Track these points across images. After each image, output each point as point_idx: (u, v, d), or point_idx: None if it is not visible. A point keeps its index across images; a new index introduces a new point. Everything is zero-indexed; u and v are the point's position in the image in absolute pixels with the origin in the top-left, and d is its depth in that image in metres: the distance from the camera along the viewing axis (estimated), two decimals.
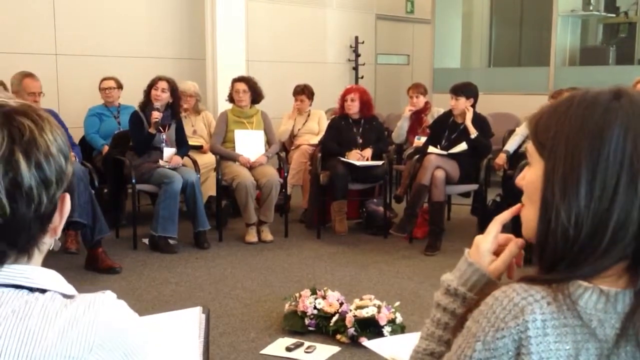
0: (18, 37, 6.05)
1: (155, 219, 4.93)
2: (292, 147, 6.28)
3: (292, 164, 6.02)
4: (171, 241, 4.99)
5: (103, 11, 6.60)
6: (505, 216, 1.09)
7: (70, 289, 0.94)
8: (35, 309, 0.88)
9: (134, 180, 4.98)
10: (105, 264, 4.42)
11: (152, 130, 5.04)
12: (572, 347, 0.88)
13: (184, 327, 1.40)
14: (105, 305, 0.92)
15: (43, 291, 0.92)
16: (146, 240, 5.07)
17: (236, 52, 7.04)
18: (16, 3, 6.06)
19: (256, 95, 5.61)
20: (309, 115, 6.33)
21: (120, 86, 5.94)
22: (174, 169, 5.05)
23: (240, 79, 5.63)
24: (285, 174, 5.67)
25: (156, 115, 5.01)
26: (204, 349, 1.38)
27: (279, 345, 3.29)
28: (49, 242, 0.96)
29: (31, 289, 0.91)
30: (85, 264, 4.47)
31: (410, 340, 1.34)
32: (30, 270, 0.92)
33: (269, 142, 5.65)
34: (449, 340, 0.99)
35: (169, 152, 5.13)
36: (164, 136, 5.14)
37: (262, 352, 3.23)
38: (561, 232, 0.90)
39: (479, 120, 5.18)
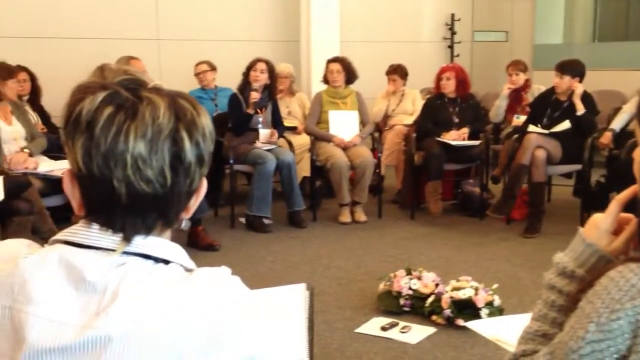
0: (122, 23, 6.31)
1: (249, 198, 5.04)
2: (386, 128, 6.24)
3: (386, 144, 5.98)
4: (265, 221, 5.08)
5: None
6: (625, 195, 1.03)
7: (190, 263, 0.98)
8: (159, 279, 0.92)
9: (231, 161, 5.11)
10: (205, 242, 4.57)
11: (250, 110, 5.14)
12: None
13: (291, 302, 1.43)
14: (223, 280, 0.95)
15: (166, 262, 0.96)
16: (243, 220, 5.20)
17: (330, 33, 7.04)
18: None
19: (350, 76, 5.60)
20: (402, 95, 6.27)
21: (213, 68, 6.09)
22: (270, 149, 5.14)
23: (334, 60, 5.64)
24: (379, 155, 5.64)
25: (254, 96, 5.11)
26: (309, 325, 1.40)
27: (374, 325, 3.30)
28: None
29: (156, 260, 0.95)
30: (187, 241, 4.64)
31: (513, 322, 1.30)
32: (157, 242, 0.96)
33: (363, 123, 5.64)
34: (562, 322, 0.96)
35: (265, 133, 5.23)
36: (261, 117, 5.23)
37: (357, 330, 3.24)
38: None
39: (584, 97, 4.95)
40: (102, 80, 0.94)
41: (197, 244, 4.56)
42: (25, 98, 5.35)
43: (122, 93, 0.92)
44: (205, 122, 0.97)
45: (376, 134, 6.09)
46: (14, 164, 4.23)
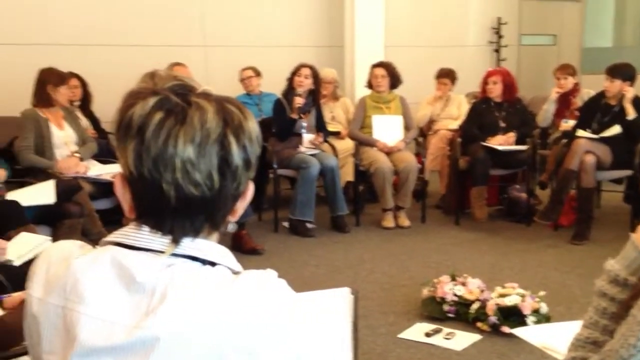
0: (169, 30, 6.42)
1: (293, 203, 5.07)
2: (430, 132, 6.19)
3: (430, 149, 5.94)
4: (309, 225, 5.09)
5: (248, 2, 6.85)
6: None
7: (237, 266, 0.99)
8: (206, 281, 0.93)
9: (275, 165, 5.14)
10: (249, 246, 4.61)
11: (294, 115, 5.17)
12: None
13: (335, 306, 1.43)
14: (270, 282, 0.96)
15: (213, 264, 0.97)
16: (286, 224, 5.22)
17: (374, 38, 7.02)
18: None
19: (395, 81, 5.58)
20: (448, 100, 6.22)
21: (258, 74, 6.14)
22: (313, 154, 5.16)
23: (379, 65, 5.63)
24: (423, 159, 5.60)
25: (298, 101, 5.14)
26: (354, 329, 1.40)
27: (417, 330, 3.27)
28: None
29: (203, 262, 0.97)
30: (231, 245, 4.68)
31: (561, 330, 1.27)
32: (204, 244, 0.98)
33: (407, 127, 5.61)
34: (613, 330, 0.94)
35: (308, 138, 5.25)
36: (305, 122, 5.25)
37: (400, 336, 3.23)
38: None
39: (635, 101, 4.83)
40: (152, 86, 0.97)
41: (241, 247, 4.60)
42: (77, 104, 5.49)
43: (172, 98, 0.94)
44: (253, 126, 0.98)
45: (420, 139, 6.05)
46: (65, 168, 4.34)
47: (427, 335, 3.21)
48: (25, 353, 1.48)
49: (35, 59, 5.15)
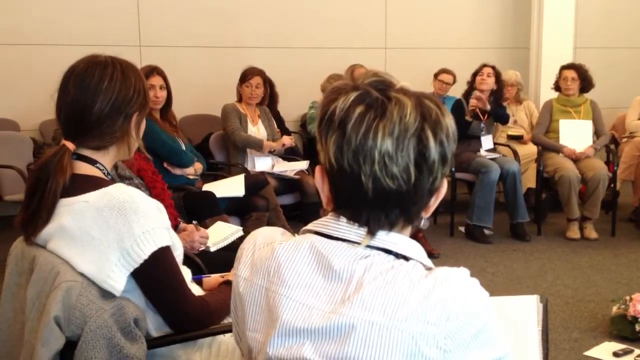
0: (351, 33, 6.56)
1: (470, 207, 4.96)
2: (624, 139, 5.75)
3: (624, 157, 5.52)
4: (486, 231, 4.96)
5: (430, 4, 6.82)
6: None
7: (428, 262, 1.00)
8: (400, 274, 0.95)
9: (453, 169, 5.06)
10: (425, 249, 4.49)
11: (467, 118, 5.05)
12: None
13: (524, 313, 1.39)
14: (464, 280, 0.96)
15: (407, 259, 0.99)
16: (462, 229, 5.13)
17: (563, 40, 6.67)
18: (349, 1, 6.57)
19: (586, 84, 5.26)
20: None
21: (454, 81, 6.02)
22: (494, 158, 5.02)
23: (569, 66, 5.34)
24: (615, 168, 5.22)
25: (473, 103, 5.03)
26: (544, 338, 1.34)
27: (604, 349, 3.06)
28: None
29: (397, 255, 0.99)
30: None
31: None
32: (398, 239, 1.00)
33: (597, 133, 5.26)
34: None
35: (487, 140, 5.11)
36: (483, 124, 5.12)
37: (586, 353, 3.04)
38: None
39: None
40: (352, 81, 1.00)
41: None
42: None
43: (372, 93, 0.97)
44: (450, 122, 0.98)
45: (612, 146, 5.64)
46: (268, 145, 4.70)
47: (616, 355, 2.99)
48: (225, 331, 1.60)
49: (224, 60, 5.51)
